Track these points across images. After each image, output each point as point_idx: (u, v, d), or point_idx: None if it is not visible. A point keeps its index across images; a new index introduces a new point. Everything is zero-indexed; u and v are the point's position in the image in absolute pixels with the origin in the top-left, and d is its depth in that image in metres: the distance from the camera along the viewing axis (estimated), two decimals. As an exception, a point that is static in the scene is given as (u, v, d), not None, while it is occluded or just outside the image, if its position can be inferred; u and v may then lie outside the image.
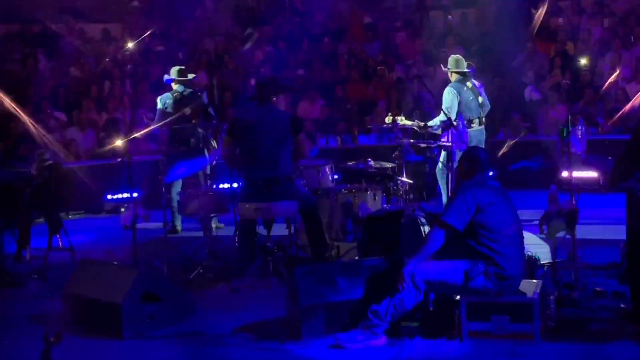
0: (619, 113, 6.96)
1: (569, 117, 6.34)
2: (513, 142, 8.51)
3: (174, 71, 8.96)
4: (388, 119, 7.99)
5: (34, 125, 7.95)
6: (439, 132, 8.10)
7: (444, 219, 4.98)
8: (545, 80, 13.25)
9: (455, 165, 6.24)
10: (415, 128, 8.25)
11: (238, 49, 15.51)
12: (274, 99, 6.85)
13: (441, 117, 7.87)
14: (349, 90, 14.31)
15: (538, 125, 12.44)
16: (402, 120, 8.16)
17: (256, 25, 16.10)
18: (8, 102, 8.03)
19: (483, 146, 8.23)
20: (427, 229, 5.84)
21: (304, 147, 6.97)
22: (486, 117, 8.57)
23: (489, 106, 8.56)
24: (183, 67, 9.15)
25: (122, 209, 10.16)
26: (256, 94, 6.94)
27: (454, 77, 8.36)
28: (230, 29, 16.58)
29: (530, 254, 5.57)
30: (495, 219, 4.98)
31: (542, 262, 5.81)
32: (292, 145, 6.73)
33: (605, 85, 11.84)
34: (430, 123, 8.12)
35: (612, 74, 12.28)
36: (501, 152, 8.14)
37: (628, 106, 6.71)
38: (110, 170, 11.42)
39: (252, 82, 13.99)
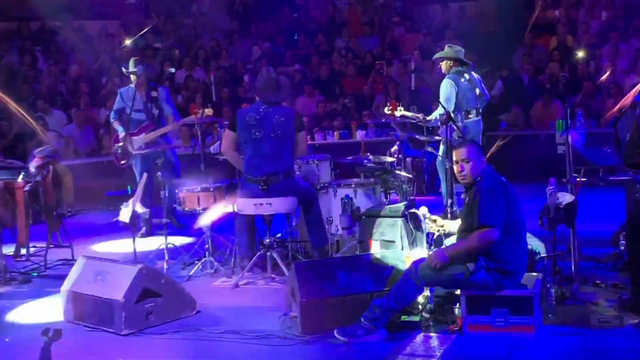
0: (610, 112, 6.92)
1: (568, 110, 6.32)
2: (502, 143, 8.51)
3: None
4: (387, 109, 8.00)
5: (31, 123, 7.94)
6: (437, 125, 8.09)
7: (492, 229, 4.85)
8: (544, 73, 13.24)
9: None
10: (415, 120, 8.24)
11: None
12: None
13: (439, 110, 7.85)
14: (347, 85, 14.29)
15: (531, 118, 12.41)
16: (401, 112, 8.16)
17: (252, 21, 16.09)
18: (6, 100, 8.02)
19: (480, 137, 8.24)
20: (426, 223, 5.79)
21: (306, 144, 6.97)
22: (484, 109, 8.56)
23: (488, 98, 8.55)
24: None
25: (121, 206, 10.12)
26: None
27: (445, 67, 8.31)
28: (226, 25, 16.56)
29: (530, 247, 5.56)
30: (507, 214, 4.96)
31: (541, 255, 5.81)
32: (294, 142, 6.73)
33: (602, 78, 11.82)
34: (429, 117, 8.12)
35: (610, 67, 12.27)
36: (490, 152, 8.12)
37: (618, 106, 6.66)
38: (110, 168, 11.42)
39: (246, 78, 14.02)
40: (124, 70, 8.86)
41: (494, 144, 8.47)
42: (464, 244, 4.98)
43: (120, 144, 8.71)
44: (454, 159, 5.24)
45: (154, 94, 8.73)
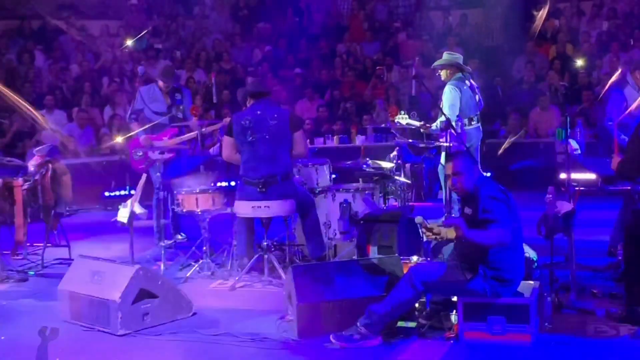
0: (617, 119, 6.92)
1: (567, 118, 6.33)
2: (513, 139, 8.48)
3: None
4: (398, 117, 8.02)
5: (34, 121, 7.91)
6: (439, 133, 8.11)
7: (504, 229, 4.82)
8: (544, 81, 13.26)
9: None
10: (419, 128, 8.25)
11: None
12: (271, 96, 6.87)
13: (441, 118, 7.86)
14: (347, 90, 14.30)
15: (530, 126, 12.42)
16: (405, 119, 8.15)
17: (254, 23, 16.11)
18: (13, 97, 8.00)
19: (479, 144, 8.26)
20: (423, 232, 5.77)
21: (304, 144, 6.93)
22: (482, 116, 8.58)
23: (482, 105, 8.59)
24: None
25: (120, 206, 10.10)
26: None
27: (444, 75, 8.31)
28: (228, 27, 16.59)
29: (527, 255, 5.56)
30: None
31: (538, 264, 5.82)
32: (291, 143, 6.72)
33: (612, 79, 11.81)
34: (432, 126, 8.11)
35: (609, 77, 12.28)
36: (501, 150, 8.12)
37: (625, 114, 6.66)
38: (109, 167, 11.45)
39: (248, 81, 14.01)
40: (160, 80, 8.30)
41: (495, 149, 8.47)
42: (481, 235, 4.84)
43: (142, 148, 8.02)
44: (446, 172, 5.25)
45: (177, 96, 8.19)
